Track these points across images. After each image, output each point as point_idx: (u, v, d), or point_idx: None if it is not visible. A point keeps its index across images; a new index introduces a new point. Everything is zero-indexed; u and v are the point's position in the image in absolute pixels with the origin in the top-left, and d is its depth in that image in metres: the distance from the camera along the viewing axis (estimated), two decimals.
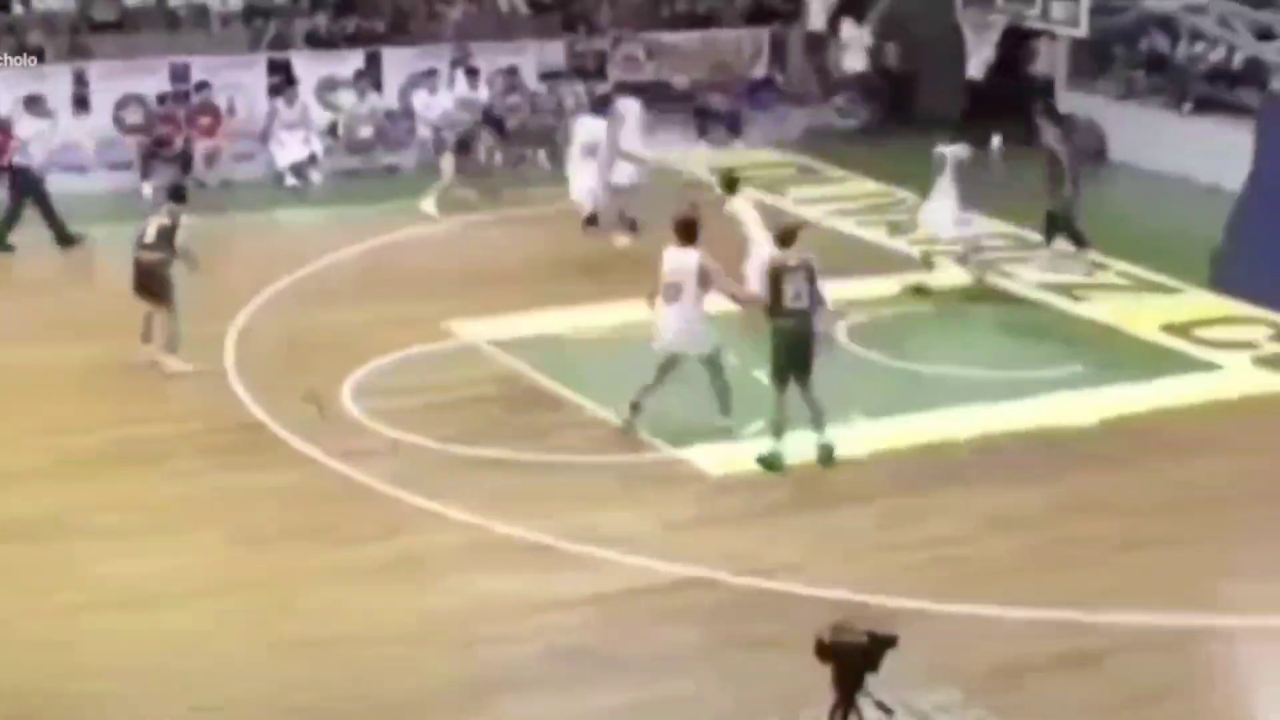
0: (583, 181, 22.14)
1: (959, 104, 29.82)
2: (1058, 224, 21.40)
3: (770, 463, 15.58)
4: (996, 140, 24.77)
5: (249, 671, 12.07)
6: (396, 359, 18.08)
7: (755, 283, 17.23)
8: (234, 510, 14.61)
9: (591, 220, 22.25)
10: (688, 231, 16.04)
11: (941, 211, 21.11)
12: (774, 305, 15.59)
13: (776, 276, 15.57)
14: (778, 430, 15.64)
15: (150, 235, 18.06)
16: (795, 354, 15.61)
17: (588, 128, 22.35)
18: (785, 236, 15.95)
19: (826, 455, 15.70)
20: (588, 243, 21.96)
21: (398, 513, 14.59)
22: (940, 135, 21.90)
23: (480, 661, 12.28)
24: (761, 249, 17.71)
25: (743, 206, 18.97)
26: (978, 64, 21.83)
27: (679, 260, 16.04)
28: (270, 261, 21.46)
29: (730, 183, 19.10)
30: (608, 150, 21.62)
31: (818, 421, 15.71)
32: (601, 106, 22.25)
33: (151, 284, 17.96)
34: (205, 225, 20.70)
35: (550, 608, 13.05)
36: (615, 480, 15.38)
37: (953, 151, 21.07)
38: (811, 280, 15.55)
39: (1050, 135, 21.54)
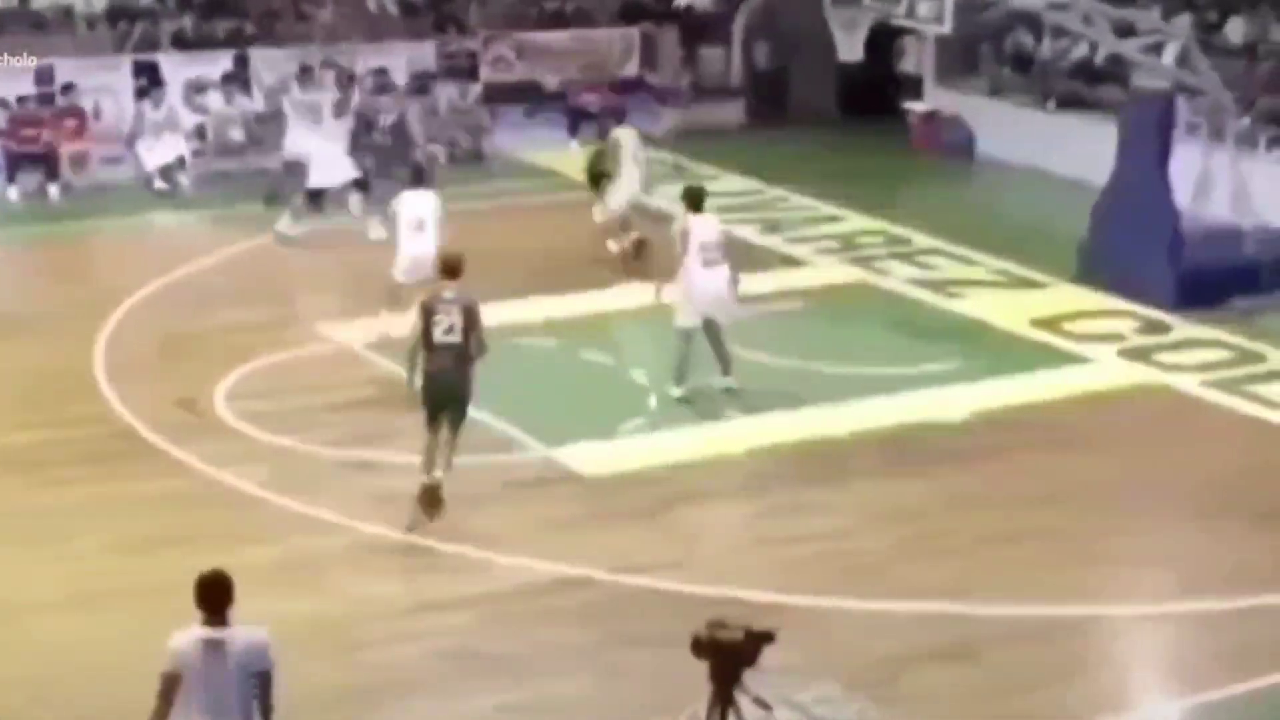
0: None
1: (829, 100, 30.17)
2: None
3: (428, 493, 14.50)
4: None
5: (128, 681, 11.87)
6: (270, 363, 17.96)
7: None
8: (109, 518, 14.45)
9: None
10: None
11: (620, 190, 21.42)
12: (425, 340, 14.53)
13: (428, 310, 14.54)
14: (425, 464, 14.57)
15: None
16: (445, 393, 14.60)
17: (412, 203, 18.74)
18: (449, 268, 14.83)
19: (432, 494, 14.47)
20: (462, 245, 21.83)
21: (275, 518, 14.52)
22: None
23: (364, 665, 12.24)
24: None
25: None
26: (847, 52, 22.02)
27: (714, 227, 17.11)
28: (140, 266, 21.24)
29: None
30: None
31: (445, 463, 14.59)
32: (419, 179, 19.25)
33: None
34: (75, 228, 20.65)
35: (432, 610, 13.04)
36: (493, 481, 15.36)
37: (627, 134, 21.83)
38: (469, 320, 14.47)
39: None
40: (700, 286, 16.97)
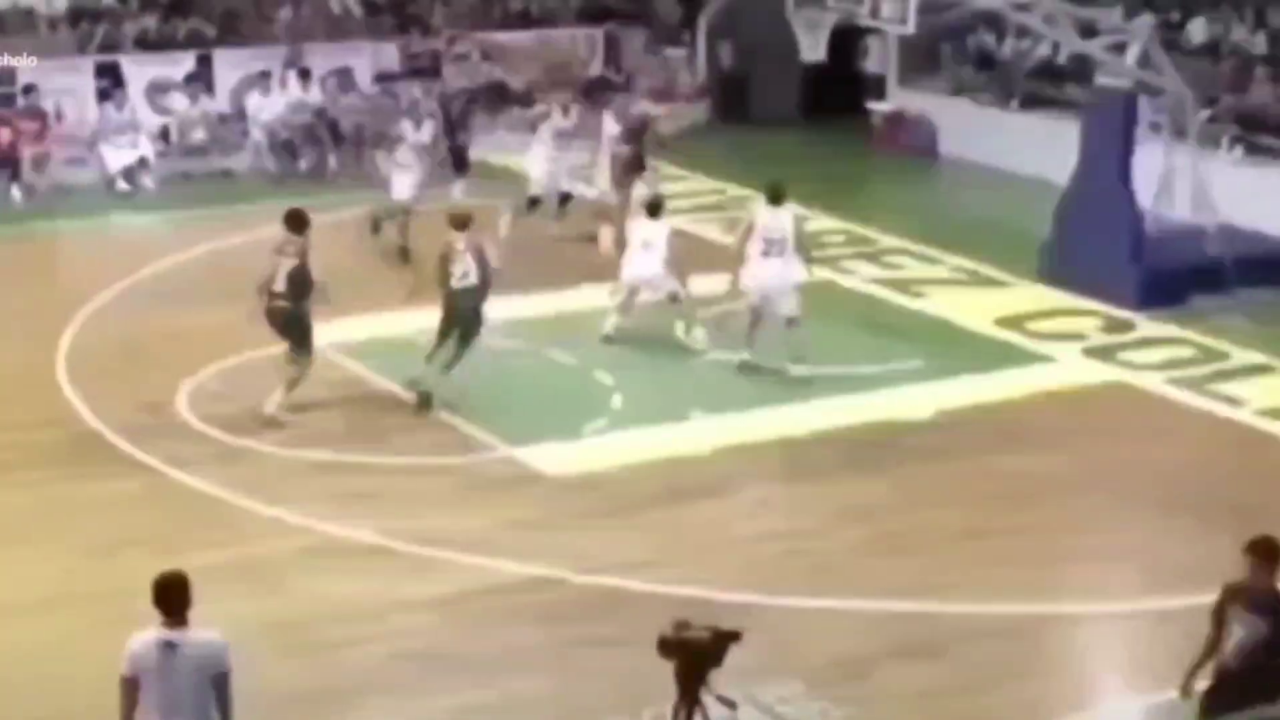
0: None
1: (793, 101, 30.20)
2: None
3: (418, 386, 16.79)
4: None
5: (91, 683, 11.85)
6: (234, 364, 17.90)
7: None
8: (73, 520, 14.40)
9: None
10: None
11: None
12: (443, 283, 16.75)
13: (445, 259, 16.76)
14: (428, 358, 16.85)
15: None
16: (460, 323, 16.79)
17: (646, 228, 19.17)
18: (458, 223, 17.01)
19: (425, 399, 16.76)
20: (420, 246, 21.81)
21: (239, 519, 14.47)
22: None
23: (326, 666, 12.20)
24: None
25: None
26: (810, 52, 22.02)
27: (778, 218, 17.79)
28: (103, 267, 21.16)
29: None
30: None
31: (449, 367, 16.86)
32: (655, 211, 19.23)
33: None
34: (37, 230, 20.54)
35: (395, 610, 13.01)
36: (457, 482, 15.36)
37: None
38: (481, 259, 16.77)
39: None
40: (752, 273, 17.84)
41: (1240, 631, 9.86)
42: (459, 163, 24.92)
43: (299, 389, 16.61)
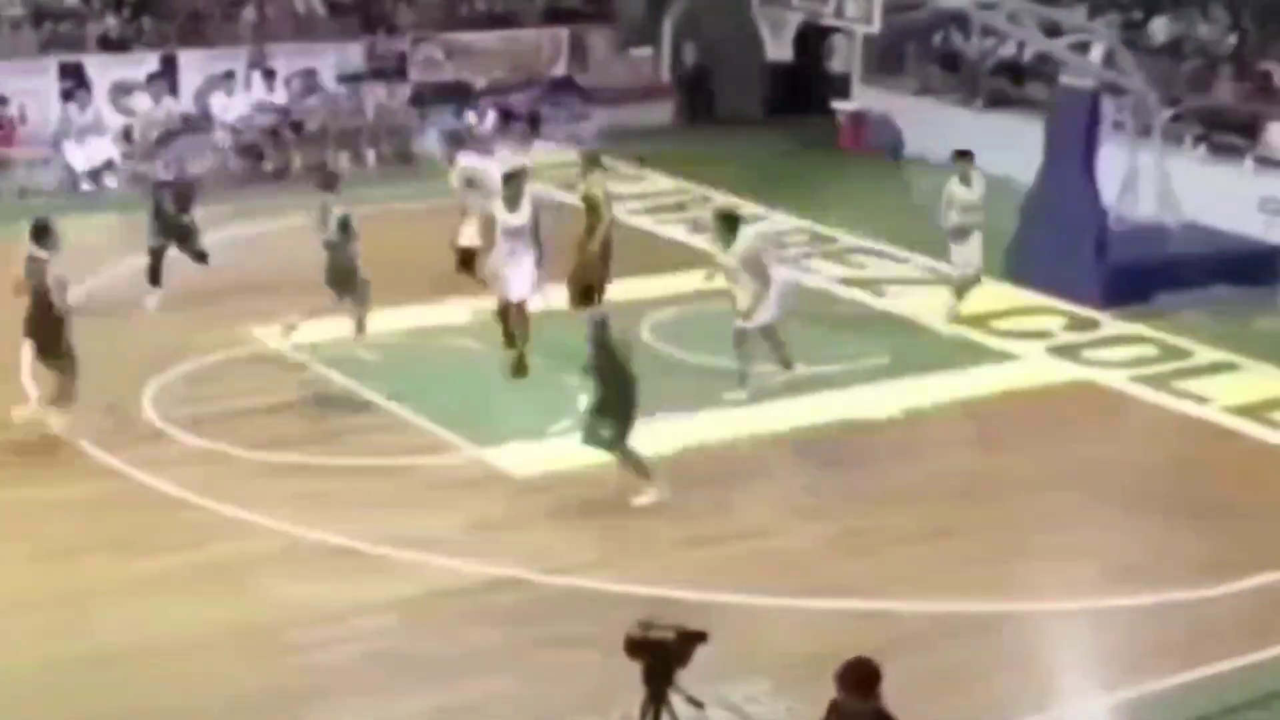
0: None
1: (757, 100, 30.24)
2: None
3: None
4: None
5: (52, 689, 11.84)
6: (199, 365, 17.86)
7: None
8: (35, 524, 14.33)
9: None
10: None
11: None
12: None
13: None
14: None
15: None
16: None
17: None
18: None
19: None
20: (385, 248, 21.76)
21: (203, 522, 14.42)
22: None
23: (291, 669, 12.17)
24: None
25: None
26: (776, 51, 21.98)
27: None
28: (68, 268, 20.90)
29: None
30: None
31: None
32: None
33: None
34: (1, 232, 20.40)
35: (360, 612, 12.98)
36: (421, 483, 15.34)
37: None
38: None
39: None
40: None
41: None
42: (198, 256, 20.56)
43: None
